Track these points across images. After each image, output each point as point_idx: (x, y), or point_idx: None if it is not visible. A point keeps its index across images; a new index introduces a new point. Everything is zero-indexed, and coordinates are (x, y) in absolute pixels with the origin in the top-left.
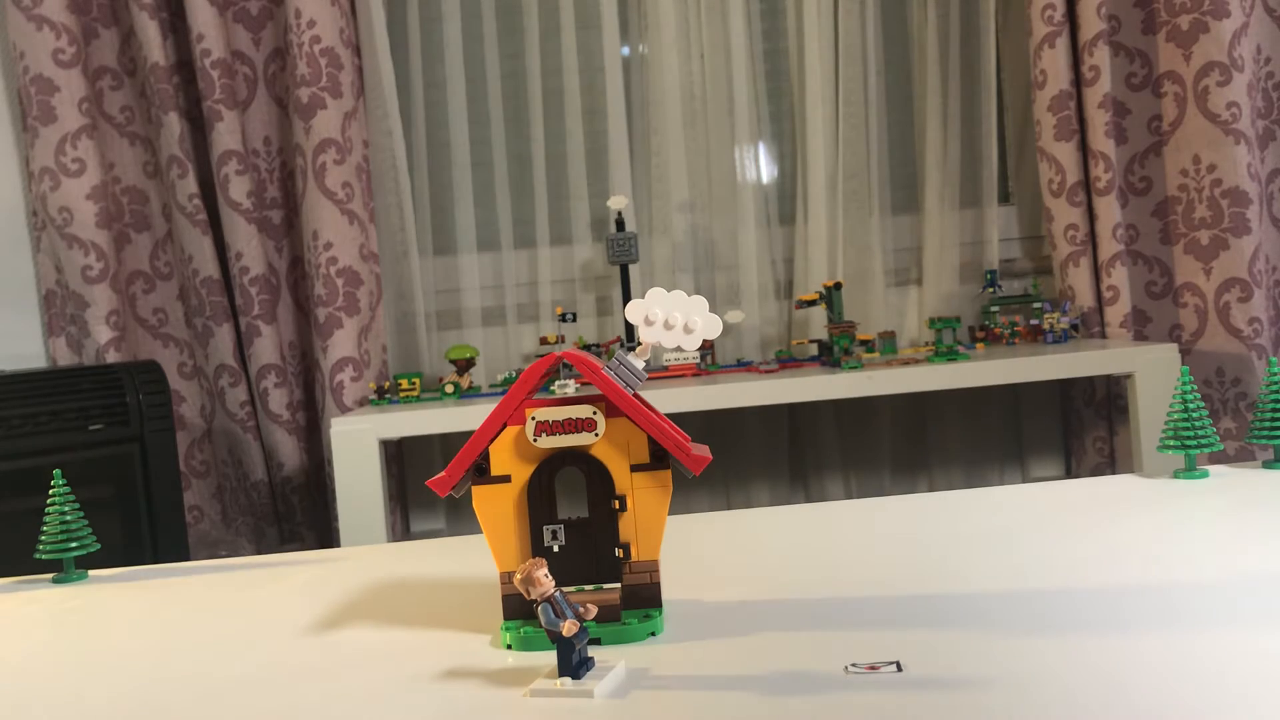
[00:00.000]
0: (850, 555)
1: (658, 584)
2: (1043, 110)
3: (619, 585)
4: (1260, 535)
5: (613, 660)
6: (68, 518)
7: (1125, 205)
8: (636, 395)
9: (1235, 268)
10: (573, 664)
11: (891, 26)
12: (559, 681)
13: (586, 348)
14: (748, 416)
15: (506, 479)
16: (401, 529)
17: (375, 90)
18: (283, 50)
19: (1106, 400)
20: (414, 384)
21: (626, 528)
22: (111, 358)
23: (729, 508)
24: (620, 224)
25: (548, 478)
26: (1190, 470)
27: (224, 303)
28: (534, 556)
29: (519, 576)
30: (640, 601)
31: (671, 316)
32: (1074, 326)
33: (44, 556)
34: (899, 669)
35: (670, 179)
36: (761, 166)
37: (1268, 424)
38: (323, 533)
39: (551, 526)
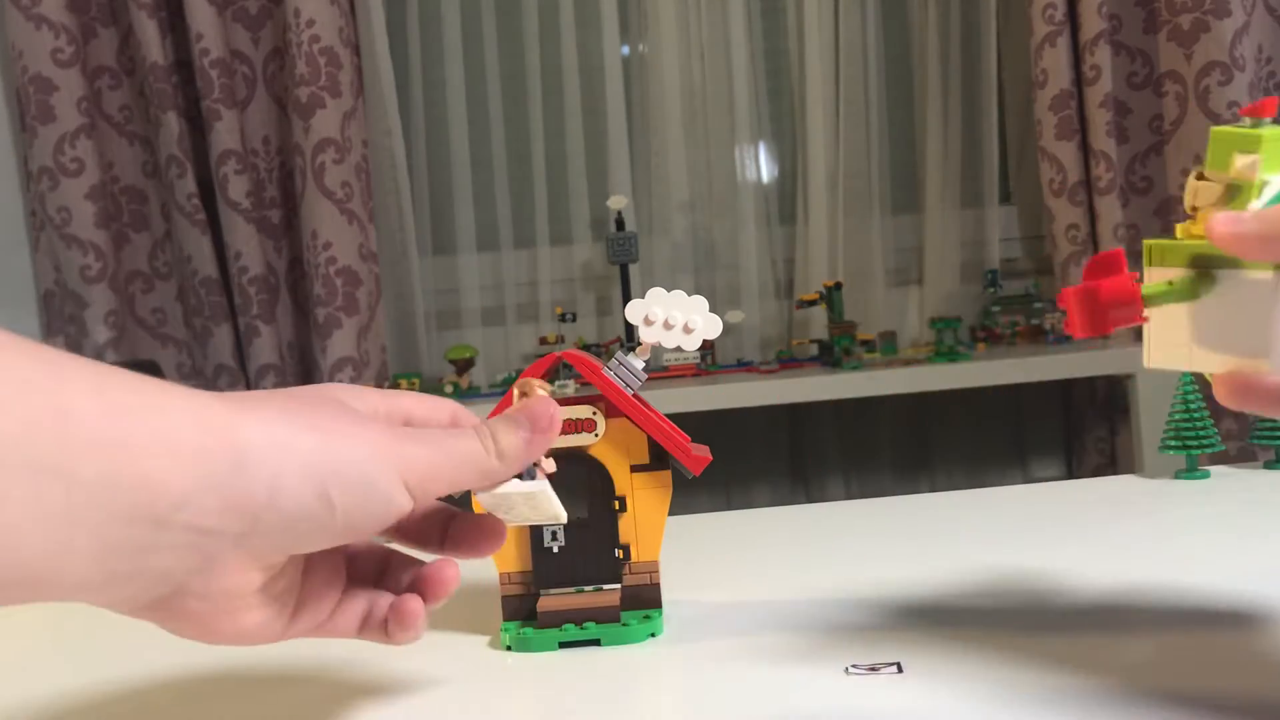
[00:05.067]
0: (850, 555)
1: (658, 585)
2: (1043, 110)
3: (619, 586)
4: (1262, 536)
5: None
6: None
7: (1126, 205)
8: (636, 395)
9: None
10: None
11: (892, 26)
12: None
13: (586, 348)
14: (748, 416)
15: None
16: None
17: (375, 90)
18: (282, 49)
19: (1108, 400)
20: (413, 384)
21: (626, 528)
22: (110, 358)
23: (729, 508)
24: (620, 224)
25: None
26: (1191, 471)
27: (223, 302)
28: (534, 557)
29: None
30: (640, 602)
31: (671, 316)
32: None
33: None
34: (899, 670)
35: (670, 179)
36: (761, 166)
37: (1269, 424)
38: None
39: (551, 527)
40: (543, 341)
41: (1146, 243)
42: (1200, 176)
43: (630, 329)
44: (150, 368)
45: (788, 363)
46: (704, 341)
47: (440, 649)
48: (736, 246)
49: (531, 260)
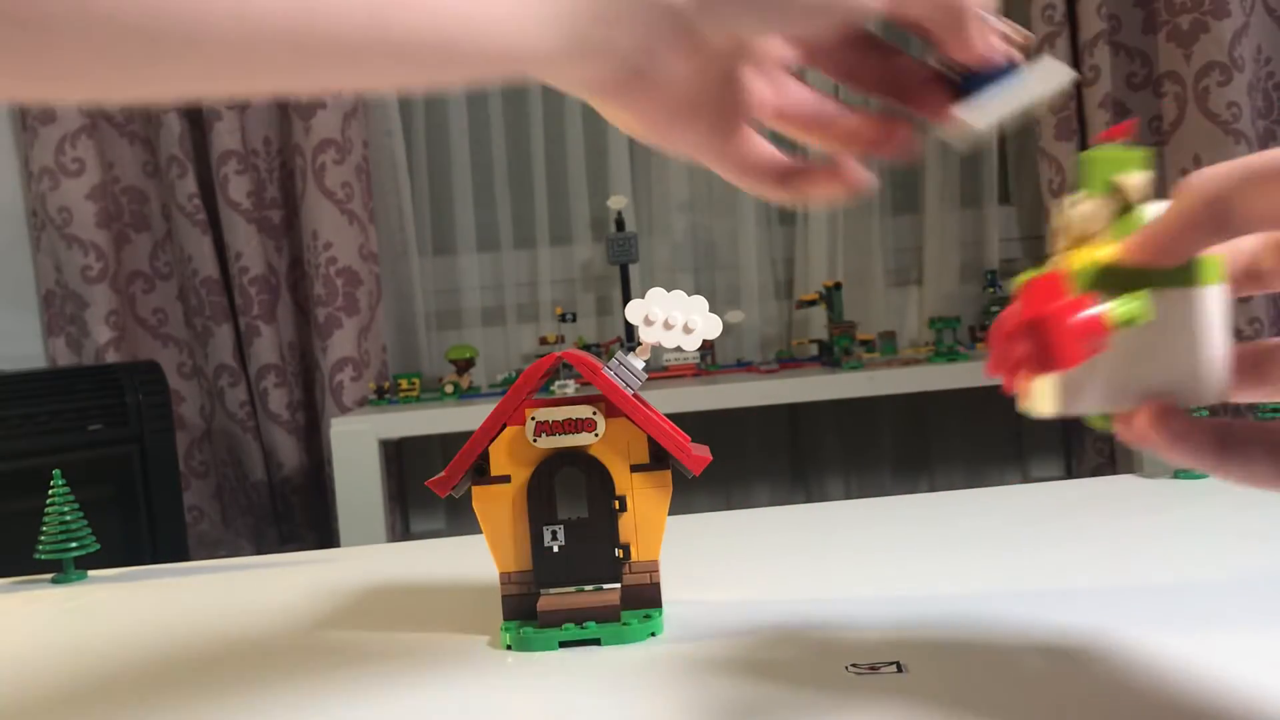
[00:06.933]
0: (850, 555)
1: (658, 584)
2: (1043, 110)
3: (619, 585)
4: (1260, 536)
5: None
6: (67, 518)
7: None
8: (636, 395)
9: None
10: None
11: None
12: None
13: (586, 348)
14: (748, 416)
15: (506, 479)
16: (401, 529)
17: None
18: None
19: None
20: (413, 384)
21: (626, 528)
22: (111, 358)
23: (729, 508)
24: (620, 224)
25: (547, 478)
26: (1191, 470)
27: (223, 303)
28: (534, 557)
29: None
30: (640, 602)
31: (671, 316)
32: None
33: (43, 557)
34: (900, 670)
35: (670, 179)
36: None
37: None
38: (322, 533)
39: (551, 526)
40: (543, 341)
41: (1077, 270)
42: (1073, 205)
43: (630, 329)
44: (150, 368)
45: (788, 363)
46: (704, 341)
47: (440, 649)
48: (736, 246)
49: (531, 260)
